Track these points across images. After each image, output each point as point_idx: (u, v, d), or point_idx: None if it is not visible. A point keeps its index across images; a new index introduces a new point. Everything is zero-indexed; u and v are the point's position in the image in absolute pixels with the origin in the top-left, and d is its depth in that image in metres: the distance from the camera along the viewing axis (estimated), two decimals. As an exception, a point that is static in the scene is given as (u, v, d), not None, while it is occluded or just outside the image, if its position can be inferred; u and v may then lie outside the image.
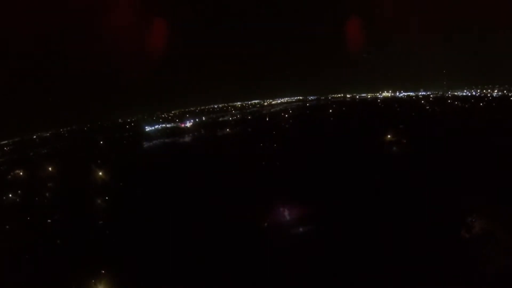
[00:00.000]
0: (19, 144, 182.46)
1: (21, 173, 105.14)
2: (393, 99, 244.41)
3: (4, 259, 53.58)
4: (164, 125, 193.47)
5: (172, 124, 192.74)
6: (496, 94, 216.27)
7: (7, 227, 67.86)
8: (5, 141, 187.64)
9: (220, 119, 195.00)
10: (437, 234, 43.79)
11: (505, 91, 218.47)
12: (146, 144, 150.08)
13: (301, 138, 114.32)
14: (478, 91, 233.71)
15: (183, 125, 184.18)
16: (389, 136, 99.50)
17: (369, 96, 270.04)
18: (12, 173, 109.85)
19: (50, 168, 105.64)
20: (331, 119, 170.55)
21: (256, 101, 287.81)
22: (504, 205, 46.49)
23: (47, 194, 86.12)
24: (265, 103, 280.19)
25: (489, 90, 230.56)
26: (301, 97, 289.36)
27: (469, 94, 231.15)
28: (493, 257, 39.11)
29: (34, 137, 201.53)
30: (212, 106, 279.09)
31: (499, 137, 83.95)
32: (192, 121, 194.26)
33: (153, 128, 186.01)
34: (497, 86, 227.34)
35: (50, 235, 60.64)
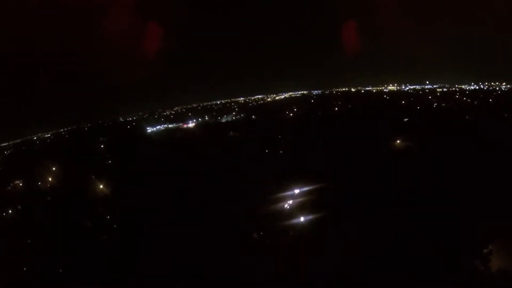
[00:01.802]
0: (19, 146, 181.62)
1: (20, 183, 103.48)
2: (399, 92, 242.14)
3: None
4: (165, 124, 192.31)
5: (174, 124, 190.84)
6: (505, 88, 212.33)
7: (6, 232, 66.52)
8: (5, 144, 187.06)
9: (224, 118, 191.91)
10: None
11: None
12: (148, 142, 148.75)
13: (305, 132, 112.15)
14: (486, 84, 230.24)
15: (185, 125, 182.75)
16: (394, 130, 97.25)
17: (374, 90, 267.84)
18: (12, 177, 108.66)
19: (50, 175, 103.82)
20: (336, 112, 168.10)
21: (259, 96, 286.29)
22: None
23: (48, 198, 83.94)
24: (269, 99, 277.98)
25: (497, 83, 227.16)
26: (305, 92, 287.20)
27: (477, 87, 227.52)
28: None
29: (35, 138, 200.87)
30: (214, 102, 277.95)
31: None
32: (194, 120, 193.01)
33: (155, 127, 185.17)
34: (504, 84, 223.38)
35: (49, 239, 58.85)
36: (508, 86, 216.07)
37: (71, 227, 61.79)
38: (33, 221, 67.69)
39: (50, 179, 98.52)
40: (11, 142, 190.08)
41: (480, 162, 64.13)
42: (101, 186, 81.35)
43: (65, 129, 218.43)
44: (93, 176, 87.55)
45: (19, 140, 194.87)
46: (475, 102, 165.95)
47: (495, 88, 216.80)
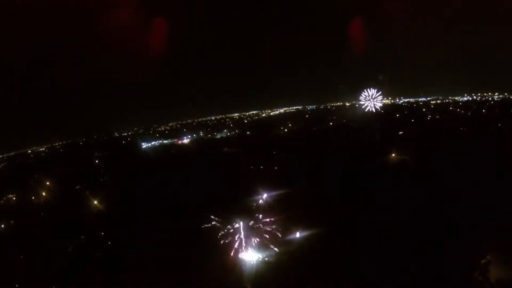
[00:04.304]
0: (13, 160, 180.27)
1: (13, 197, 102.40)
2: (393, 105, 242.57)
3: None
4: (161, 140, 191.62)
5: (169, 140, 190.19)
6: (498, 98, 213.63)
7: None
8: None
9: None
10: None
11: (506, 94, 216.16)
12: (143, 158, 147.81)
13: (300, 147, 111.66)
14: (479, 95, 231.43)
15: (180, 141, 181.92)
16: (389, 144, 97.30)
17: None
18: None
19: (43, 189, 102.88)
20: (331, 127, 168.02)
21: (254, 112, 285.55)
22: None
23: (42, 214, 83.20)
24: (263, 114, 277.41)
25: (489, 93, 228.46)
26: (300, 107, 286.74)
27: (470, 99, 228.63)
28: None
29: (29, 151, 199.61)
30: (209, 118, 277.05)
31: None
32: (189, 135, 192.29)
33: (150, 142, 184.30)
34: (496, 94, 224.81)
35: (42, 254, 58.67)
36: (501, 96, 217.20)
37: (64, 242, 61.30)
38: (26, 236, 67.01)
39: (44, 193, 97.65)
40: (4, 155, 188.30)
41: (476, 173, 64.34)
42: (95, 202, 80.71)
43: (60, 143, 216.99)
44: (87, 192, 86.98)
45: (13, 153, 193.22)
46: (469, 113, 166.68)
47: (488, 99, 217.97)
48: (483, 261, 40.87)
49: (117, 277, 48.24)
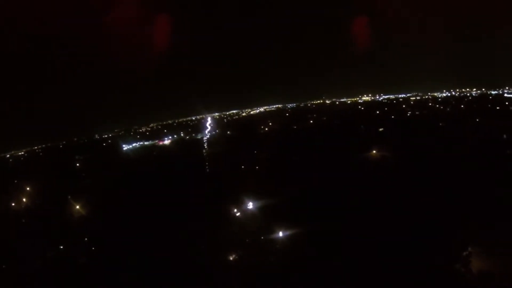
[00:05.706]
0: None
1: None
2: (373, 102, 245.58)
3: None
4: (141, 141, 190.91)
5: (150, 141, 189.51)
6: (476, 94, 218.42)
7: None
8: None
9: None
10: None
11: (483, 89, 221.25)
12: (124, 160, 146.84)
13: (281, 146, 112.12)
14: (457, 90, 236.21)
15: (161, 142, 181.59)
16: (370, 141, 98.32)
17: (349, 101, 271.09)
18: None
19: (24, 195, 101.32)
20: (311, 125, 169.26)
21: (234, 111, 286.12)
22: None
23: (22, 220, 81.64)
24: (244, 113, 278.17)
25: (467, 89, 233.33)
26: (280, 105, 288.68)
27: (449, 94, 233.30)
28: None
29: (8, 156, 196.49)
30: (189, 118, 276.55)
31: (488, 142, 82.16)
32: (170, 136, 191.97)
33: (131, 144, 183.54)
34: (474, 89, 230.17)
35: (23, 263, 56.51)
36: (479, 91, 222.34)
37: (46, 250, 60.51)
38: (6, 244, 66.00)
39: (24, 199, 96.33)
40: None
41: (455, 167, 65.66)
42: (78, 207, 79.79)
43: (40, 146, 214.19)
44: (69, 196, 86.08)
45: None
46: (448, 109, 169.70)
47: (466, 94, 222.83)
48: (464, 253, 41.58)
49: (102, 284, 47.86)
